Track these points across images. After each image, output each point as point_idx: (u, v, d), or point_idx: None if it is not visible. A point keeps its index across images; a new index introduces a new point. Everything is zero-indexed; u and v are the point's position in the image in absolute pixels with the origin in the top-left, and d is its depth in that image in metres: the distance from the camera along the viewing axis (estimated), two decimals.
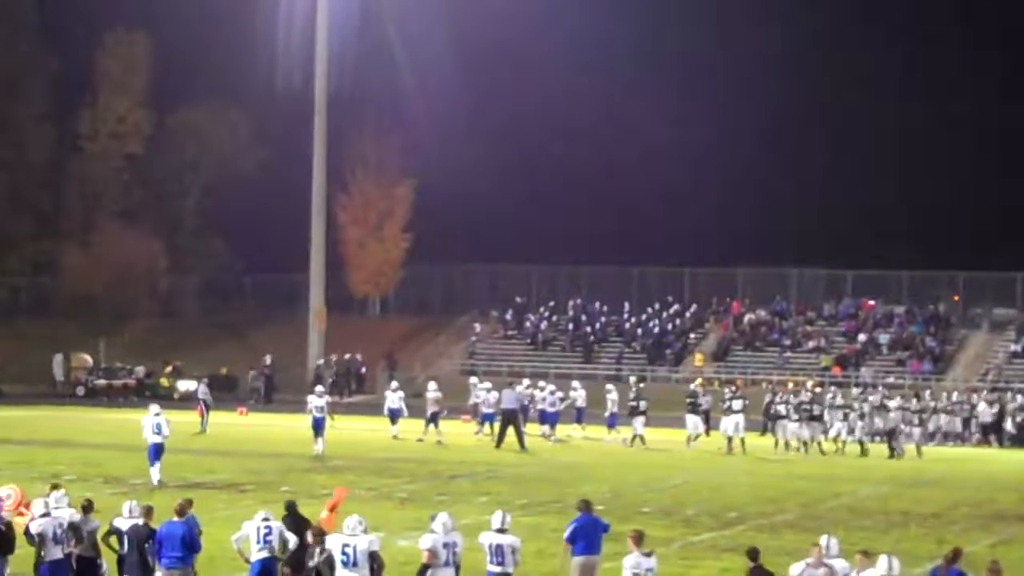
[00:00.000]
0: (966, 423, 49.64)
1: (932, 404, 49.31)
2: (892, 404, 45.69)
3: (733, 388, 46.24)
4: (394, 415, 45.59)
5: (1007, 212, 70.88)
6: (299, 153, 68.06)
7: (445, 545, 18.33)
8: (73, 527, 19.47)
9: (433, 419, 44.63)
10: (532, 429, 45.01)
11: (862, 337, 63.82)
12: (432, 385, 46.32)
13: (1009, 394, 52.54)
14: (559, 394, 46.15)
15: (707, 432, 45.83)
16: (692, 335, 67.10)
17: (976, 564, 18.47)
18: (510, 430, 42.61)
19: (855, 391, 50.56)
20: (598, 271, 71.21)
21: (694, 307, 68.53)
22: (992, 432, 49.15)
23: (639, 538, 18.27)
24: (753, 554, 17.77)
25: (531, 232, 73.42)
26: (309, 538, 18.93)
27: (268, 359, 63.94)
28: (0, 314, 76.64)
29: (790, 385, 49.60)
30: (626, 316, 68.65)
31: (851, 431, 45.55)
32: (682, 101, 72.89)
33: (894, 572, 16.84)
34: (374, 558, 18.29)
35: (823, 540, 17.92)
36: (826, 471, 39.58)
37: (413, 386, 55.48)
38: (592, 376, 60.01)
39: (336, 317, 69.43)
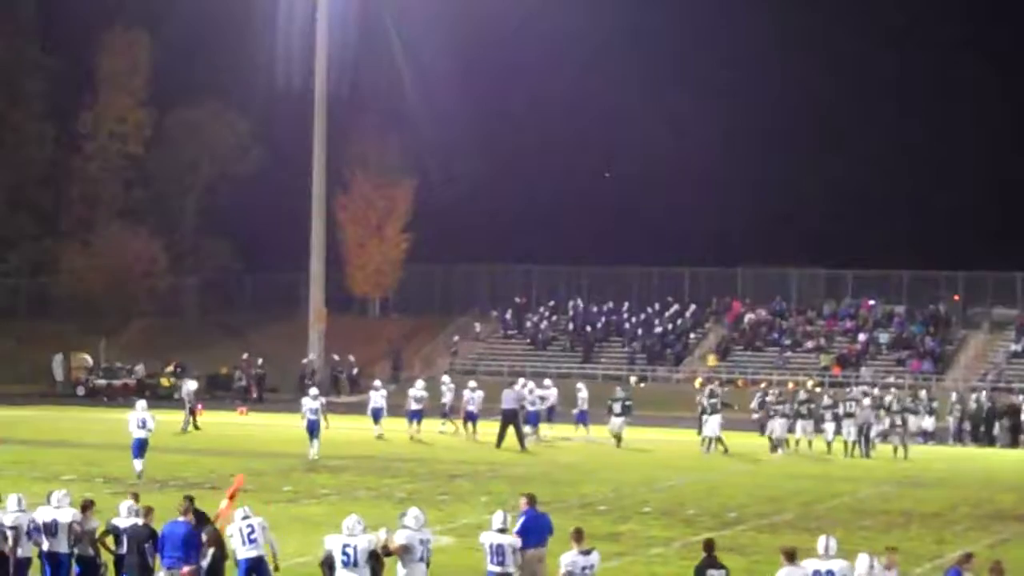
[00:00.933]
0: (962, 423, 49.55)
1: (924, 404, 48.95)
2: (866, 402, 45.18)
3: (711, 389, 46.34)
4: (377, 415, 45.59)
5: (1007, 212, 70.92)
6: (299, 153, 68.00)
7: (421, 541, 18.32)
8: (70, 527, 19.49)
9: (416, 416, 45.03)
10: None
11: (862, 337, 63.88)
12: (419, 383, 46.57)
13: (1011, 394, 52.50)
14: (539, 392, 45.94)
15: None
16: (692, 335, 67.15)
17: (976, 564, 18.43)
18: (510, 430, 42.59)
19: (848, 391, 50.32)
20: (598, 271, 71.26)
21: (694, 307, 68.58)
22: (991, 432, 49.07)
23: (579, 535, 18.03)
24: (708, 546, 17.74)
25: (531, 232, 73.44)
26: (204, 537, 18.90)
27: (259, 360, 63.81)
28: (0, 314, 76.65)
29: (790, 385, 49.46)
30: (626, 316, 68.70)
31: (855, 431, 45.24)
32: (682, 101, 72.88)
33: (875, 571, 16.76)
34: (374, 558, 18.29)
35: (822, 540, 17.68)
36: (826, 471, 39.58)
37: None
38: (592, 376, 60.04)
39: (336, 317, 69.36)
